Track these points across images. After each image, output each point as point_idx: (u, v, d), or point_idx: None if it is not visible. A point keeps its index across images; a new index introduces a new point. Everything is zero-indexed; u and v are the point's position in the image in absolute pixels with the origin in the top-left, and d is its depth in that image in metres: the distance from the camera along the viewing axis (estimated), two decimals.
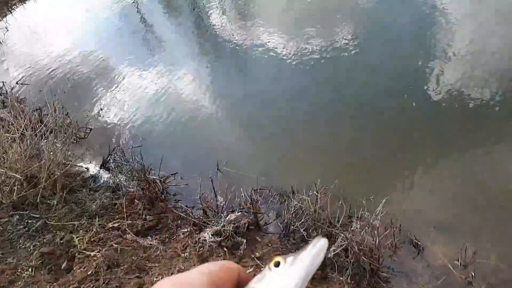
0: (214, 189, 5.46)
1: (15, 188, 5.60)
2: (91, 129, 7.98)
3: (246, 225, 5.14)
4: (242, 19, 11.12)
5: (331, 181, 5.60)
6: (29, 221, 5.46)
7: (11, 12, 16.48)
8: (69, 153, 6.76)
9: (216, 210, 5.39)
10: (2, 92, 9.70)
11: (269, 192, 5.76)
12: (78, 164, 7.00)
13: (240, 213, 5.30)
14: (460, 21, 8.51)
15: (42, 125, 6.58)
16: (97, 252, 4.92)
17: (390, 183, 5.84)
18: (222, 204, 5.43)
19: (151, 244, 5.14)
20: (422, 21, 8.88)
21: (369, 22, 9.43)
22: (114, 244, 5.04)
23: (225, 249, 4.85)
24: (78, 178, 6.65)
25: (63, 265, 4.86)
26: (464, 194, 5.52)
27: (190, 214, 5.50)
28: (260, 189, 5.80)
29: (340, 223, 4.92)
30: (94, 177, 6.68)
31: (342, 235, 4.53)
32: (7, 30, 14.65)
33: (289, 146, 6.67)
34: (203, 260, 4.81)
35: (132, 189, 6.02)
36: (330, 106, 7.30)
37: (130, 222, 5.52)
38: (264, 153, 6.66)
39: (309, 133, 6.81)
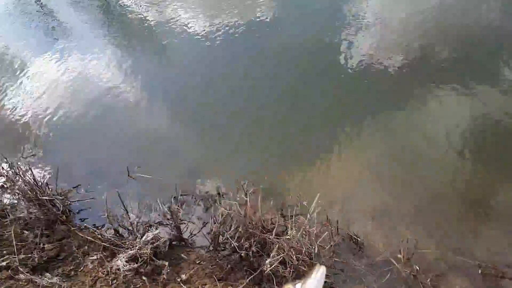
0: (123, 203, 4.57)
1: None
2: None
3: (168, 242, 4.38)
4: None
5: (261, 177, 5.06)
6: None
7: None
8: None
9: (130, 228, 4.54)
10: None
11: (192, 198, 5.02)
12: None
13: (159, 228, 4.50)
14: None
15: None
16: None
17: (320, 171, 5.40)
18: (136, 220, 4.58)
19: (51, 283, 4.16)
20: None
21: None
22: None
23: (144, 277, 4.06)
24: None
25: None
26: (394, 175, 5.27)
27: (100, 236, 4.57)
28: (181, 195, 5.03)
29: (275, 227, 4.38)
30: None
31: (278, 244, 3.97)
32: None
33: (212, 141, 5.93)
34: None
35: (23, 214, 4.88)
36: (250, 93, 6.65)
37: (23, 256, 4.46)
38: (184, 152, 5.85)
39: (234, 124, 6.12)
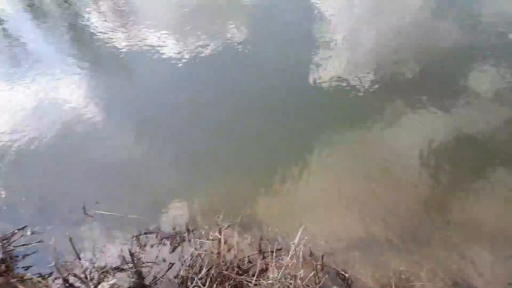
0: (74, 248, 3.92)
1: None
2: None
3: None
4: (120, 16, 9.36)
5: (236, 210, 4.53)
6: None
7: None
8: None
9: (82, 277, 3.86)
10: None
11: (157, 237, 4.40)
12: None
13: (117, 275, 3.86)
14: (336, 15, 8.15)
15: None
16: None
17: (298, 200, 4.93)
18: (91, 267, 3.92)
19: None
20: (303, 16, 8.30)
21: (254, 19, 8.55)
22: None
23: None
24: None
25: None
26: (376, 197, 4.90)
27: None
28: (145, 233, 4.42)
29: (253, 266, 3.85)
30: None
31: None
32: None
33: (181, 171, 5.34)
34: None
35: None
36: (222, 118, 6.15)
37: None
38: (149, 183, 5.22)
39: (204, 151, 5.59)
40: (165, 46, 7.88)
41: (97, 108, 6.58)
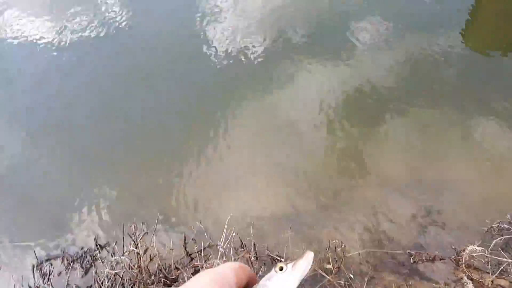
0: None
1: None
2: None
3: None
4: None
5: (150, 210, 4.05)
6: None
7: None
8: None
9: None
10: None
11: (64, 262, 3.74)
12: None
13: None
14: None
15: None
16: None
17: (215, 184, 4.58)
18: None
19: None
20: None
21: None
22: None
23: None
24: None
25: None
26: (292, 169, 4.78)
27: None
28: (47, 260, 3.73)
29: (180, 273, 3.45)
30: None
31: None
32: None
33: (78, 175, 4.60)
34: None
35: None
36: (115, 113, 5.43)
37: None
38: (44, 197, 4.43)
39: (104, 147, 4.90)
40: (39, 31, 6.72)
41: None
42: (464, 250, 3.72)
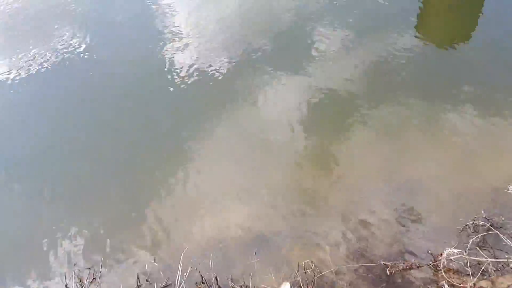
0: None
1: None
2: None
3: None
4: None
5: (99, 250, 3.62)
6: None
7: None
8: None
9: None
10: None
11: None
12: None
13: None
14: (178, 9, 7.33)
15: None
16: None
17: (170, 214, 4.20)
18: None
19: None
20: (147, 14, 7.22)
21: (93, 22, 7.16)
22: None
23: None
24: None
25: None
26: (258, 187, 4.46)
27: None
28: None
29: None
30: None
31: None
32: None
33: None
34: None
35: None
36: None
37: None
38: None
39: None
40: None
41: None
42: (441, 255, 3.47)
